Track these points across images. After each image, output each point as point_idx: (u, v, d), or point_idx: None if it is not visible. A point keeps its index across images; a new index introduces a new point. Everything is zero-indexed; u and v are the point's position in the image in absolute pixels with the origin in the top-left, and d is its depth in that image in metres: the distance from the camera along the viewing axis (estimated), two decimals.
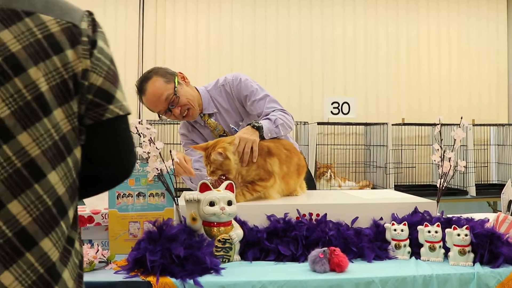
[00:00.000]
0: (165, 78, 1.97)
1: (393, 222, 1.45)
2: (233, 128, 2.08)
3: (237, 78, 2.05)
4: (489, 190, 3.72)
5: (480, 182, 3.96)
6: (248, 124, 1.80)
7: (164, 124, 3.59)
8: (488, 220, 1.49)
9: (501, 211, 1.59)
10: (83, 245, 1.28)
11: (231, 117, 2.09)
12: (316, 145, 3.55)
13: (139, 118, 3.50)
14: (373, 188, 3.60)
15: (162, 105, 1.96)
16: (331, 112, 3.68)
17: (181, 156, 1.72)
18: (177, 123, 3.57)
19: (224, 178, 1.59)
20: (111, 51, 0.84)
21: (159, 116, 2.03)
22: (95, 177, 0.83)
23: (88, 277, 1.18)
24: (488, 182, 4.06)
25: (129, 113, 0.83)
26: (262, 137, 1.78)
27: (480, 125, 3.91)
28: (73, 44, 0.75)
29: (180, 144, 2.25)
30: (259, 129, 1.78)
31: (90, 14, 0.81)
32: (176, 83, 1.98)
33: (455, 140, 1.58)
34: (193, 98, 2.03)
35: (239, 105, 2.08)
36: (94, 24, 0.80)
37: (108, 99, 0.80)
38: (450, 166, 1.57)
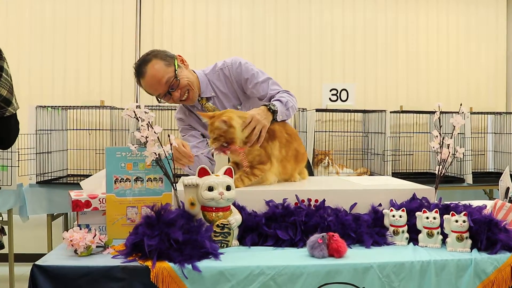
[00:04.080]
0: (165, 61, 1.94)
1: (392, 208, 1.44)
2: None
3: (236, 62, 2.04)
4: (486, 178, 3.73)
5: (477, 170, 3.97)
6: (263, 105, 1.78)
7: (161, 109, 3.57)
8: (486, 206, 1.50)
9: (498, 199, 1.60)
10: (81, 229, 1.28)
11: (229, 101, 2.08)
12: (314, 132, 3.54)
13: (137, 102, 3.49)
14: (371, 175, 3.61)
15: (162, 89, 1.94)
16: (330, 99, 3.66)
17: (178, 142, 1.71)
18: (174, 109, 3.55)
19: (226, 145, 1.57)
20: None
21: (157, 100, 2.01)
22: None
23: (85, 262, 1.18)
24: (485, 170, 4.07)
25: (17, 109, 1.43)
26: (274, 120, 1.78)
27: (478, 113, 3.91)
28: None
29: (178, 130, 2.24)
30: (274, 113, 1.77)
31: None
32: (176, 66, 1.96)
33: (454, 126, 1.58)
34: (192, 82, 2.01)
35: (238, 88, 2.06)
36: (0, 54, 1.36)
37: (7, 104, 1.38)
38: (449, 153, 1.57)
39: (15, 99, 1.43)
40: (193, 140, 2.09)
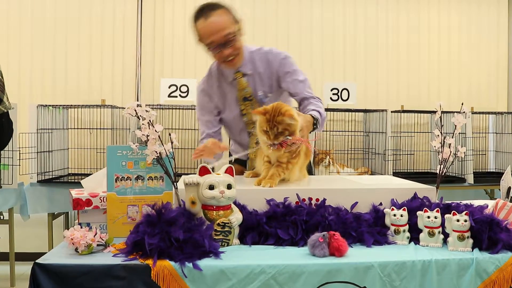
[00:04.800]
0: (232, 17, 1.94)
1: (393, 207, 1.44)
2: (260, 96, 2.07)
3: (283, 54, 2.07)
4: (487, 178, 3.72)
5: (478, 170, 3.97)
6: (312, 117, 1.83)
7: (162, 109, 3.57)
8: (487, 206, 1.49)
9: (499, 198, 1.59)
10: (82, 227, 1.28)
11: (263, 85, 2.07)
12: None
13: (137, 101, 3.49)
14: (372, 174, 3.60)
15: (219, 39, 1.91)
16: (331, 98, 3.65)
17: (211, 140, 1.82)
18: (175, 108, 3.55)
19: (289, 139, 1.58)
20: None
21: (207, 48, 1.96)
22: None
23: (86, 260, 1.18)
24: (486, 170, 4.07)
25: (9, 109, 1.38)
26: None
27: (479, 113, 3.90)
28: None
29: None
30: (314, 128, 1.84)
31: None
32: (238, 28, 1.96)
33: (455, 126, 1.57)
34: (242, 50, 2.02)
35: (275, 77, 2.07)
36: None
37: None
38: (450, 152, 1.57)
39: (7, 98, 1.39)
40: (211, 127, 2.09)
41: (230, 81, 2.08)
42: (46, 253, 1.27)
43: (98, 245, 1.26)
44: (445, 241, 1.36)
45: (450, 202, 1.53)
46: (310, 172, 2.29)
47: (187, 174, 1.80)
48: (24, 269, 3.27)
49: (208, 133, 2.10)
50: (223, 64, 2.03)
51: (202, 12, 1.93)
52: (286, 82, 2.04)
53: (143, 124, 1.34)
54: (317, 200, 1.48)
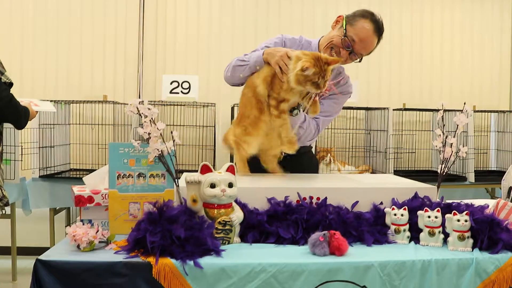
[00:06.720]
0: (377, 44, 2.03)
1: (393, 206, 1.44)
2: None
3: (351, 89, 2.15)
4: (488, 177, 3.73)
5: (479, 169, 3.97)
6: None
7: (164, 105, 3.57)
8: (488, 206, 1.49)
9: (500, 198, 1.60)
10: (84, 224, 1.29)
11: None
12: None
13: (140, 97, 3.49)
14: (373, 172, 3.61)
15: (359, 49, 1.98)
16: None
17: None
18: (177, 105, 3.56)
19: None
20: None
21: (343, 40, 2.02)
22: None
23: (88, 257, 1.18)
24: (487, 169, 4.06)
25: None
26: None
27: (481, 111, 3.89)
28: None
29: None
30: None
31: None
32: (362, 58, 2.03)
33: (457, 125, 1.57)
34: None
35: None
36: None
37: None
38: (452, 151, 1.57)
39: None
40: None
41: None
42: (47, 247, 1.28)
43: (99, 242, 1.27)
44: (445, 241, 1.36)
45: (450, 201, 1.53)
46: (315, 170, 2.28)
47: (189, 171, 1.81)
48: (26, 263, 3.29)
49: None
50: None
51: (378, 25, 2.06)
52: (327, 103, 2.08)
53: (145, 121, 1.34)
54: (318, 199, 1.49)
